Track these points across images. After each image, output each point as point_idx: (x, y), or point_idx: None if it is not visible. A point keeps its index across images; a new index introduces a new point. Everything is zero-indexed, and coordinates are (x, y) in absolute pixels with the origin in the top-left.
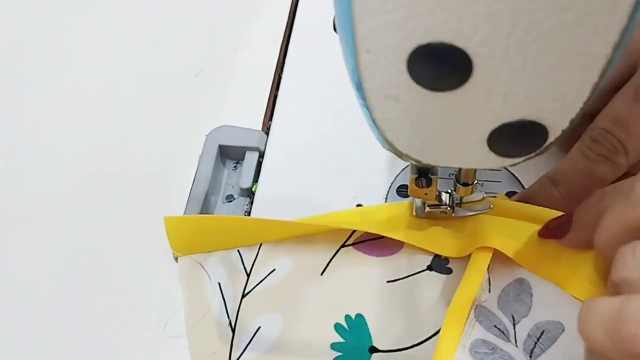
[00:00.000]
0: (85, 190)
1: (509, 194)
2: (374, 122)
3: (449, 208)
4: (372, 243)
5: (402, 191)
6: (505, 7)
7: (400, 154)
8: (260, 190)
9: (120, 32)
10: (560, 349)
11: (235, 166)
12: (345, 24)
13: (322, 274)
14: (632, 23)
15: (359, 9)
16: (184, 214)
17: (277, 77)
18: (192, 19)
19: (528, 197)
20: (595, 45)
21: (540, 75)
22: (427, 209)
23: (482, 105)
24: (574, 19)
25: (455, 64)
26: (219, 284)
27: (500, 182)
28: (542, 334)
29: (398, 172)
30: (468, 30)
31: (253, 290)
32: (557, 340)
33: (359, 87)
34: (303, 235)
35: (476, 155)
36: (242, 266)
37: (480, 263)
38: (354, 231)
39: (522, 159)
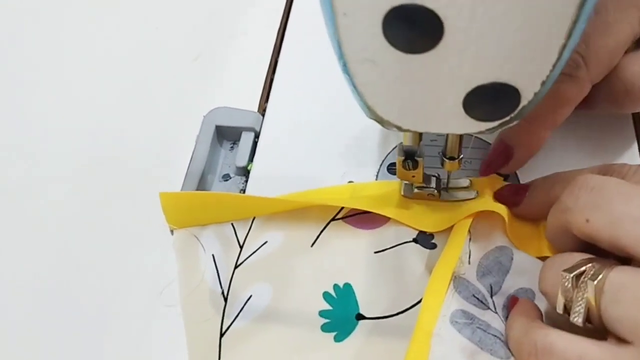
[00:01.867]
0: (86, 168)
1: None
2: (355, 87)
3: (435, 191)
4: (361, 217)
5: (392, 169)
6: None
7: (381, 121)
8: (256, 169)
9: (122, 18)
10: None
11: (232, 147)
12: None
13: (312, 245)
14: None
15: None
16: (181, 191)
17: (273, 60)
18: (192, 6)
19: (501, 136)
20: (559, 5)
21: (508, 37)
22: (415, 190)
23: (455, 67)
24: None
25: (427, 26)
26: (213, 255)
27: None
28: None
29: (389, 151)
30: None
31: (245, 262)
32: None
33: (340, 52)
34: (294, 210)
35: (453, 120)
36: (235, 239)
37: (460, 234)
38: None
39: (497, 122)
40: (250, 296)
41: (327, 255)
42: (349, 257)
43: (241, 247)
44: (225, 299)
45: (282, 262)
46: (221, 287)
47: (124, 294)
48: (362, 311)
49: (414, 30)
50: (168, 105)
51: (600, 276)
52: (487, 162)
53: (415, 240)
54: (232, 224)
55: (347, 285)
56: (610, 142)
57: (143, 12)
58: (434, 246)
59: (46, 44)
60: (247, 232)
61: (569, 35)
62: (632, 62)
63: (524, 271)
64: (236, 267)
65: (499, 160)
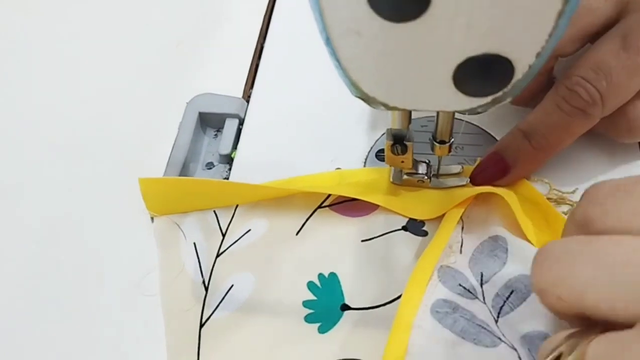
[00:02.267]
0: (66, 155)
1: None
2: (338, 62)
3: (426, 177)
4: (349, 204)
5: (380, 155)
6: None
7: (367, 98)
8: (240, 156)
9: (104, 3)
10: (529, 307)
11: (215, 134)
12: None
13: (297, 234)
14: None
15: None
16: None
17: (259, 46)
18: None
19: (500, 149)
20: None
21: (500, 4)
22: (405, 176)
23: (444, 37)
24: None
25: None
26: (194, 243)
27: (481, 145)
28: (511, 293)
29: (377, 137)
30: None
31: (227, 250)
32: (527, 299)
33: (322, 23)
34: (280, 197)
35: (443, 95)
36: (217, 226)
37: (450, 224)
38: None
39: (490, 98)
40: (232, 286)
41: (313, 244)
42: (335, 246)
43: (223, 235)
44: (206, 289)
45: (265, 250)
46: (202, 276)
47: (103, 282)
48: (347, 301)
49: None
50: (150, 91)
51: (577, 352)
52: (480, 170)
53: (405, 228)
54: (214, 212)
55: (333, 275)
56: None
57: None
58: (425, 233)
59: (26, 30)
60: (230, 219)
61: (566, 1)
62: (637, 102)
63: (521, 260)
64: (218, 255)
65: (492, 172)
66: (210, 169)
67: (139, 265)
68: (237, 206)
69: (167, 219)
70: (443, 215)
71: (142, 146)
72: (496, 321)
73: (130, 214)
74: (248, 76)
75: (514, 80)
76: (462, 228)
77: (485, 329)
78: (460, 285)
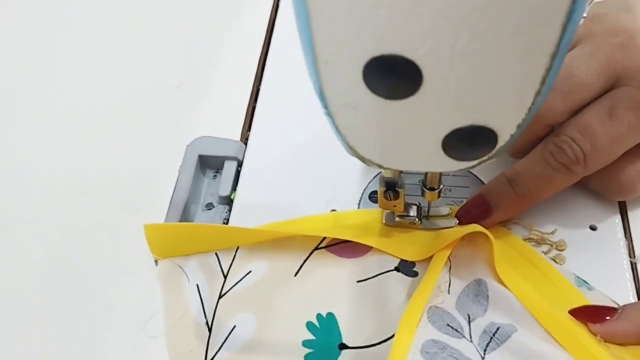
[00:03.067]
0: (69, 197)
1: None
2: (336, 128)
3: (417, 219)
4: (344, 246)
5: (373, 197)
6: (447, 21)
7: (363, 159)
8: (239, 198)
9: (104, 46)
10: (514, 343)
11: (214, 175)
12: (305, 36)
13: (295, 275)
14: (566, 34)
15: (316, 23)
16: (165, 221)
17: (255, 89)
18: (173, 33)
19: (485, 192)
20: (533, 55)
21: (485, 84)
22: (397, 218)
23: (434, 111)
24: (511, 30)
25: (406, 74)
26: (197, 285)
27: (467, 187)
28: (497, 330)
29: (370, 180)
30: (415, 42)
31: (229, 291)
32: (511, 336)
33: (321, 96)
34: (278, 239)
35: (433, 159)
36: (219, 268)
37: (437, 265)
38: None
39: (476, 162)
40: (234, 326)
41: (311, 284)
42: (332, 287)
43: (225, 277)
44: (210, 330)
45: (266, 291)
46: (205, 317)
47: (109, 325)
48: (345, 340)
49: (393, 79)
50: (151, 135)
51: None
52: (464, 211)
53: (397, 269)
54: (216, 254)
55: (330, 315)
56: None
57: (124, 41)
58: (415, 274)
59: (29, 74)
60: (231, 261)
61: (543, 82)
62: (628, 167)
63: (500, 308)
64: (220, 297)
65: (475, 213)
66: (210, 209)
67: (144, 307)
68: (237, 248)
69: (170, 262)
70: (432, 255)
71: (143, 188)
72: (482, 358)
73: (134, 257)
74: (245, 118)
75: (497, 147)
76: (450, 268)
77: None
78: (448, 325)
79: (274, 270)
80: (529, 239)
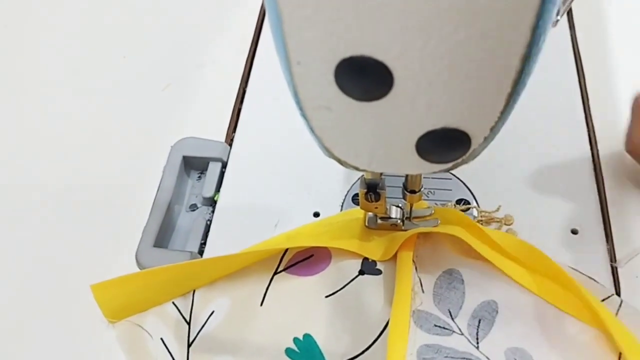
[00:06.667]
0: (53, 196)
1: (459, 201)
2: (312, 130)
3: (399, 221)
4: (302, 264)
5: (356, 199)
6: (416, 23)
7: (339, 161)
8: (222, 199)
9: (91, 47)
10: (499, 329)
11: (199, 176)
12: (278, 38)
13: (261, 304)
14: (535, 37)
15: (287, 25)
16: (147, 222)
17: (241, 91)
18: (160, 34)
19: None
20: (503, 57)
21: (456, 87)
22: (379, 221)
23: (407, 114)
24: (479, 33)
25: (378, 76)
26: (162, 339)
27: (450, 190)
28: (479, 322)
29: (353, 182)
30: (385, 44)
31: (197, 337)
32: (494, 324)
33: (296, 97)
34: (234, 272)
35: (408, 162)
36: (180, 316)
37: (404, 268)
38: (283, 256)
39: (450, 164)
40: None
41: (279, 310)
42: (302, 308)
43: (189, 324)
44: None
45: (235, 329)
46: None
47: (92, 324)
48: (328, 358)
49: (364, 80)
50: (136, 135)
51: None
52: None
53: (361, 272)
54: (173, 302)
55: (307, 336)
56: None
57: (112, 41)
58: (379, 272)
59: (15, 74)
60: (190, 306)
61: (515, 85)
62: None
63: (477, 286)
64: (189, 345)
65: None
66: (193, 210)
67: None
68: (194, 291)
69: (127, 323)
70: (394, 255)
71: (127, 188)
72: (477, 347)
73: (116, 257)
74: (231, 120)
75: (470, 150)
76: (416, 269)
77: (469, 359)
78: (435, 325)
79: (238, 305)
80: (479, 222)
